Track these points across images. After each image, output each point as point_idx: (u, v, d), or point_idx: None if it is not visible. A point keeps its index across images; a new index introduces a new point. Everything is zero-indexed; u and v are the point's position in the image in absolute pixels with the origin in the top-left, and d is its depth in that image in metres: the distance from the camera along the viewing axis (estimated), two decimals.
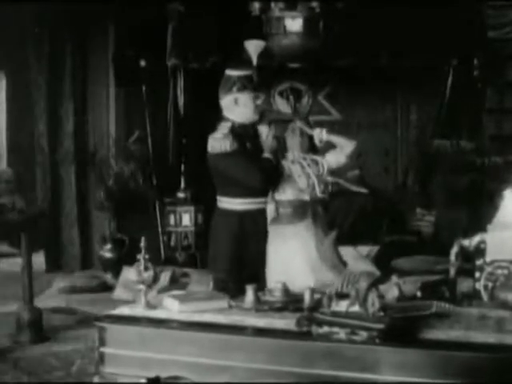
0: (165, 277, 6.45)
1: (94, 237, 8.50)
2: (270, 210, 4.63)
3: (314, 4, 7.59)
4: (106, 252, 7.97)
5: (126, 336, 3.44)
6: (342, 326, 3.10)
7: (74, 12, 7.99)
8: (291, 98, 8.63)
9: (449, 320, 3.31)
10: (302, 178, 4.57)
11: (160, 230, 8.28)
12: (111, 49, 8.50)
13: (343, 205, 6.94)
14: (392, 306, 3.31)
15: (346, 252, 4.63)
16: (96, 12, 8.11)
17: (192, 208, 8.18)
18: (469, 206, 7.66)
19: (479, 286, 3.75)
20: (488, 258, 3.77)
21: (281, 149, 4.66)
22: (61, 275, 8.00)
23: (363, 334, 3.05)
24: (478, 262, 3.80)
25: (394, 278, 3.63)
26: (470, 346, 3.01)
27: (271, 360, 3.17)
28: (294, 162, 4.62)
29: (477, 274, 3.77)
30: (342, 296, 3.37)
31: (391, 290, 3.54)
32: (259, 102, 4.64)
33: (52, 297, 7.25)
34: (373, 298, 3.14)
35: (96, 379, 3.48)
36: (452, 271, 3.91)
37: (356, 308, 3.18)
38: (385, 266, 4.60)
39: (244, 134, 4.58)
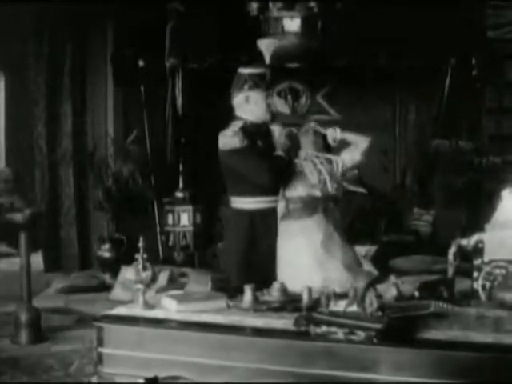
0: (163, 277, 6.46)
1: (92, 237, 8.49)
2: (281, 207, 4.58)
3: (312, 4, 7.59)
4: (105, 252, 7.96)
5: (125, 336, 3.44)
6: (340, 325, 3.10)
7: (74, 12, 7.99)
8: (289, 97, 8.63)
9: (447, 320, 3.31)
10: (314, 174, 4.54)
11: (158, 229, 8.28)
12: (110, 49, 8.50)
13: (341, 204, 6.94)
14: (390, 306, 3.31)
15: None
16: (95, 12, 8.10)
17: (190, 208, 8.18)
18: (467, 205, 7.67)
19: (477, 285, 3.75)
20: (486, 258, 3.77)
21: (294, 148, 4.62)
22: (59, 275, 8.00)
23: (361, 334, 3.05)
24: (476, 262, 3.80)
25: (392, 278, 3.63)
26: (468, 345, 3.01)
27: (269, 360, 3.17)
28: (307, 159, 4.61)
29: (475, 274, 3.78)
30: (340, 296, 3.38)
31: (389, 290, 3.54)
32: (271, 100, 4.63)
33: (50, 297, 7.25)
34: (371, 297, 3.14)
35: (94, 379, 3.48)
36: (450, 271, 3.91)
37: (354, 308, 3.18)
38: (383, 265, 4.61)
39: (256, 133, 4.53)
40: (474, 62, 8.12)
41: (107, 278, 7.67)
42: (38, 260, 7.93)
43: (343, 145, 4.66)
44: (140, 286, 3.61)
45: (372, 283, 3.31)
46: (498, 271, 3.72)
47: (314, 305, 3.44)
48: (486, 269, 3.75)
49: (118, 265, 7.27)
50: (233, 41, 7.77)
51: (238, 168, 4.50)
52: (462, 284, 3.92)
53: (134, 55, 8.20)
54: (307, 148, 4.63)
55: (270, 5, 7.63)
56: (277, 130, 4.61)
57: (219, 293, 3.80)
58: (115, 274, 7.27)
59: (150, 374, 3.28)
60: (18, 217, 6.12)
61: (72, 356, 5.35)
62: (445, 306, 3.45)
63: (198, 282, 5.98)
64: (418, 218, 8.18)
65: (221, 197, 8.43)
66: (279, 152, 4.54)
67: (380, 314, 3.12)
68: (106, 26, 8.48)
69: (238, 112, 4.58)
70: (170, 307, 3.58)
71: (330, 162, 4.59)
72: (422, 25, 7.60)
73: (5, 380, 5.00)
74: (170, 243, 8.22)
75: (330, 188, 4.55)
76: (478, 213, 6.89)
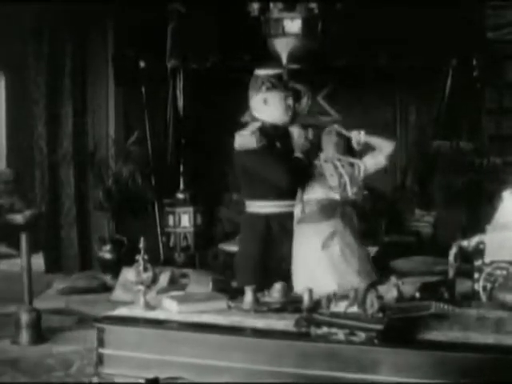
0: (164, 278, 6.46)
1: (92, 237, 8.49)
2: (297, 210, 4.42)
3: (313, 5, 7.59)
4: (105, 253, 7.96)
5: (125, 337, 3.44)
6: (340, 326, 3.10)
7: (74, 12, 7.99)
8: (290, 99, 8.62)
9: (448, 321, 3.31)
10: (334, 177, 4.40)
11: (159, 230, 8.28)
12: (111, 49, 8.50)
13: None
14: (391, 307, 3.31)
15: None
16: (96, 12, 8.10)
17: (191, 209, 8.18)
18: (468, 206, 7.67)
19: (478, 286, 3.76)
20: (487, 259, 3.78)
21: (314, 150, 4.49)
22: (60, 276, 8.00)
23: (362, 335, 3.05)
24: (477, 263, 3.81)
25: (393, 279, 3.63)
26: (468, 346, 3.01)
27: (270, 361, 3.17)
28: (328, 161, 4.46)
29: (476, 275, 3.78)
30: (341, 297, 3.37)
31: (390, 291, 3.53)
32: (290, 101, 4.46)
33: (51, 298, 7.25)
34: (372, 298, 3.14)
35: (95, 380, 3.48)
36: (451, 272, 3.92)
37: (355, 309, 3.18)
38: (384, 266, 4.59)
39: (274, 134, 4.40)
40: (474, 62, 8.11)
41: (108, 279, 7.67)
42: (38, 261, 7.93)
43: (367, 148, 4.51)
44: (141, 287, 3.61)
45: (373, 284, 3.30)
46: (498, 272, 3.72)
47: (315, 306, 3.44)
48: (487, 270, 3.76)
49: (119, 266, 7.27)
50: (234, 42, 7.77)
51: (255, 169, 4.36)
52: (462, 285, 3.93)
53: (134, 56, 8.20)
54: (329, 150, 4.48)
55: (271, 6, 7.64)
56: (296, 132, 4.47)
57: (220, 294, 3.80)
58: (116, 275, 7.27)
59: (151, 375, 3.28)
60: (18, 218, 6.13)
61: (73, 357, 5.35)
62: (445, 307, 3.45)
63: (199, 282, 5.98)
64: (419, 219, 8.18)
65: (221, 197, 8.48)
66: (298, 154, 4.42)
67: (381, 315, 3.12)
68: (106, 26, 8.48)
69: (256, 114, 4.45)
70: (170, 308, 3.58)
71: (351, 165, 4.44)
72: (423, 25, 7.60)
73: (5, 380, 5.01)
74: (171, 244, 8.22)
75: (350, 192, 4.40)
76: (479, 214, 6.90)
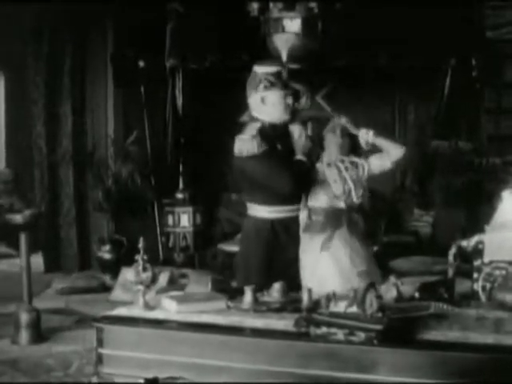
0: (163, 278, 6.46)
1: (92, 237, 8.49)
2: (303, 217, 4.31)
3: (313, 4, 7.59)
4: (105, 253, 7.96)
5: (125, 337, 3.44)
6: (340, 326, 3.10)
7: (73, 12, 7.99)
8: (290, 98, 8.61)
9: (447, 321, 3.31)
10: (338, 184, 4.25)
11: (158, 230, 8.29)
12: (110, 49, 8.50)
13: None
14: (390, 307, 3.31)
15: None
16: (95, 12, 8.10)
17: (190, 209, 8.18)
18: (467, 206, 7.67)
19: (477, 286, 3.76)
20: (486, 259, 3.78)
21: (316, 150, 4.31)
22: (59, 276, 8.00)
23: (361, 335, 3.05)
24: (476, 263, 3.80)
25: (392, 279, 3.63)
26: (468, 346, 3.01)
27: (269, 361, 3.17)
28: (331, 164, 4.30)
29: (475, 275, 3.78)
30: (340, 297, 3.37)
31: (389, 291, 3.53)
32: (289, 100, 4.29)
33: (50, 297, 7.25)
34: (371, 298, 3.14)
35: (94, 380, 3.48)
36: (450, 272, 3.91)
37: (354, 309, 3.18)
38: (383, 266, 4.58)
39: (274, 135, 4.25)
40: (473, 62, 8.11)
41: (107, 278, 7.67)
42: (37, 261, 7.93)
43: (373, 149, 4.34)
44: (140, 287, 3.60)
45: (372, 284, 3.30)
46: (498, 272, 3.72)
47: (314, 306, 3.44)
48: (486, 270, 3.75)
49: (118, 266, 7.27)
50: (233, 41, 7.77)
51: (257, 175, 4.22)
52: (462, 285, 3.92)
53: (134, 55, 8.20)
54: (332, 150, 4.31)
55: (271, 5, 7.63)
56: (296, 130, 4.30)
57: (219, 294, 3.79)
58: (115, 274, 7.27)
59: (150, 375, 3.28)
60: (17, 218, 6.12)
61: (72, 357, 5.36)
62: (445, 306, 3.45)
63: (198, 282, 5.98)
64: (418, 219, 8.18)
65: (221, 197, 8.48)
66: (299, 156, 4.26)
67: (380, 315, 3.12)
68: (105, 26, 8.48)
69: (255, 113, 4.29)
70: (170, 308, 3.57)
71: (356, 165, 4.29)
72: (422, 25, 7.60)
73: (5, 380, 5.01)
74: (170, 244, 8.22)
75: (356, 198, 4.28)
76: (478, 213, 6.90)
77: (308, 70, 8.17)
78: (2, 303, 6.50)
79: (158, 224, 8.30)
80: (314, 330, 3.14)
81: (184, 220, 8.16)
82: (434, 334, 3.13)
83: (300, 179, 4.23)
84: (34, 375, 5.06)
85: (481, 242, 3.82)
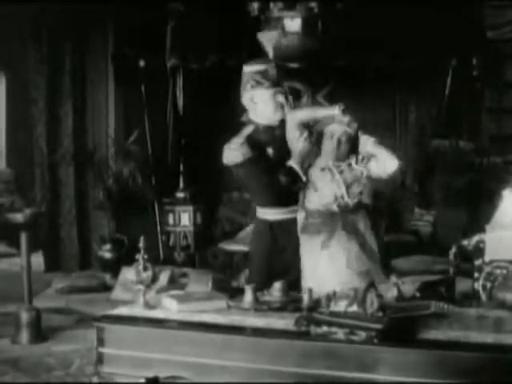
0: (164, 277, 6.46)
1: (92, 237, 8.49)
2: (300, 218, 4.32)
3: (313, 4, 7.59)
4: (105, 252, 7.96)
5: (125, 336, 3.45)
6: (340, 326, 3.10)
7: (74, 12, 7.99)
8: (290, 98, 8.61)
9: (447, 320, 3.31)
10: (329, 188, 4.23)
11: (159, 229, 8.28)
12: (111, 49, 8.50)
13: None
14: (391, 306, 3.32)
15: None
16: (95, 12, 8.10)
17: (191, 208, 8.18)
18: (468, 205, 7.67)
19: (478, 286, 3.76)
20: (487, 258, 3.78)
21: (312, 154, 4.27)
22: (59, 275, 8.00)
23: (362, 334, 3.05)
24: (477, 262, 3.81)
25: (393, 278, 3.63)
26: (468, 345, 3.02)
27: (270, 360, 3.17)
28: (324, 169, 4.26)
29: (475, 274, 3.78)
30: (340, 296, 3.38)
31: (390, 290, 3.54)
32: (280, 98, 4.29)
33: (51, 297, 7.25)
34: (371, 298, 3.14)
35: (95, 379, 3.48)
36: (451, 271, 3.91)
37: (355, 308, 3.18)
38: (383, 265, 4.58)
39: (267, 139, 4.25)
40: (474, 62, 8.11)
41: (108, 278, 7.67)
42: (38, 260, 7.93)
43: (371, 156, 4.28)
44: (141, 287, 3.61)
45: (373, 283, 3.30)
46: (498, 271, 3.72)
47: (315, 305, 3.44)
48: (487, 269, 3.76)
49: (119, 265, 7.27)
50: (233, 41, 7.77)
51: (246, 182, 4.37)
52: (462, 284, 3.92)
53: (134, 55, 8.20)
54: (327, 156, 4.27)
55: (271, 5, 7.63)
56: (295, 135, 4.25)
57: (220, 293, 3.80)
58: (116, 274, 7.27)
59: (151, 374, 3.29)
60: (18, 217, 6.12)
61: (72, 356, 5.35)
62: (445, 306, 3.46)
63: (199, 282, 5.98)
64: (419, 218, 8.17)
65: (221, 196, 8.48)
66: (291, 162, 4.24)
67: (380, 314, 3.12)
68: (106, 25, 8.48)
69: (250, 114, 4.33)
70: (170, 307, 3.58)
71: (352, 169, 4.26)
72: (422, 25, 7.60)
73: (5, 380, 5.01)
74: (171, 243, 8.22)
75: (350, 200, 4.26)
76: (479, 213, 6.90)
77: (308, 70, 8.18)
78: (3, 302, 6.50)
79: (158, 223, 8.30)
80: (314, 330, 3.15)
81: (184, 219, 8.16)
82: (435, 333, 3.13)
83: (279, 190, 4.26)
84: (34, 375, 5.05)
85: (481, 242, 3.82)
